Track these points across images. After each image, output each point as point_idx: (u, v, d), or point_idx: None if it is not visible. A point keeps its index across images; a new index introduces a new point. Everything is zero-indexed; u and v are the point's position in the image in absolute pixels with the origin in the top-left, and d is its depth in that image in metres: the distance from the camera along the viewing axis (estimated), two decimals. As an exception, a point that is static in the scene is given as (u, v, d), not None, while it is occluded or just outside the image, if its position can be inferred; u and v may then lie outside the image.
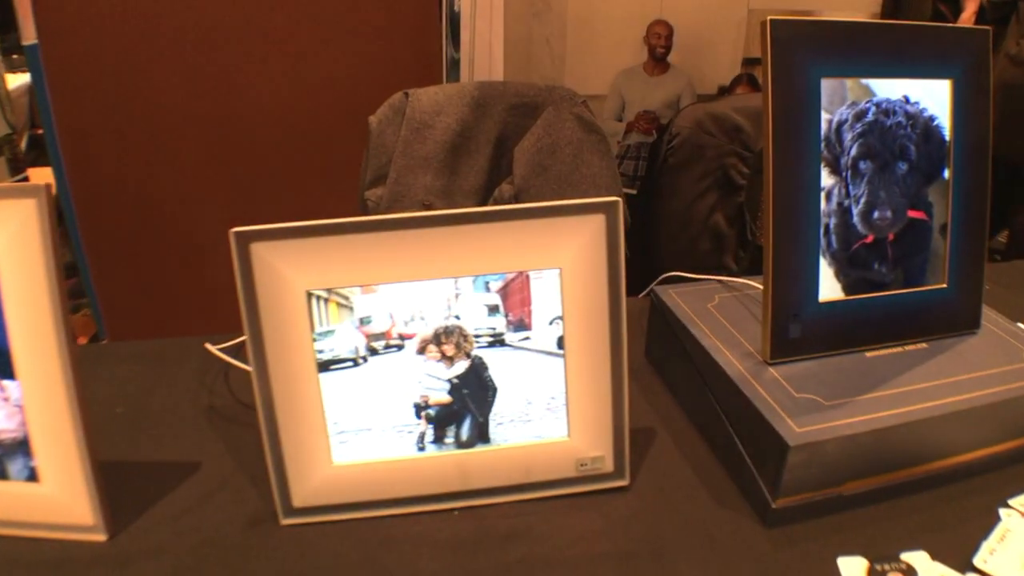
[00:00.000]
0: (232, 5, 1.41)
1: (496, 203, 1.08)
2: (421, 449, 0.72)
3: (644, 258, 1.13)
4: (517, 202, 1.07)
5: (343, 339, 0.69)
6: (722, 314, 0.85)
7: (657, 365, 0.91)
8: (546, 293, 0.70)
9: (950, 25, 0.80)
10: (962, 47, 0.79)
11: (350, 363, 0.70)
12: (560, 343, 0.71)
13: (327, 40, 1.40)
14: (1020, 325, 0.92)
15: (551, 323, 0.71)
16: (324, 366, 0.69)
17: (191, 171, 1.54)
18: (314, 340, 0.69)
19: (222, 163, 1.54)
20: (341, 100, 1.27)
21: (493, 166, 1.08)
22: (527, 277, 0.70)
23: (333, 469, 0.72)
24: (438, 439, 0.72)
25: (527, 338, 0.71)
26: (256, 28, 1.42)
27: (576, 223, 0.69)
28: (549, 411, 0.73)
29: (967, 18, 3.43)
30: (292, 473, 0.71)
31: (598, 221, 0.69)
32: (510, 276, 0.69)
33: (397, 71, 1.36)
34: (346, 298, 0.69)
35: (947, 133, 0.79)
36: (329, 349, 0.69)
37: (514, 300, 0.70)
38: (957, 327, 0.83)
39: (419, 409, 0.72)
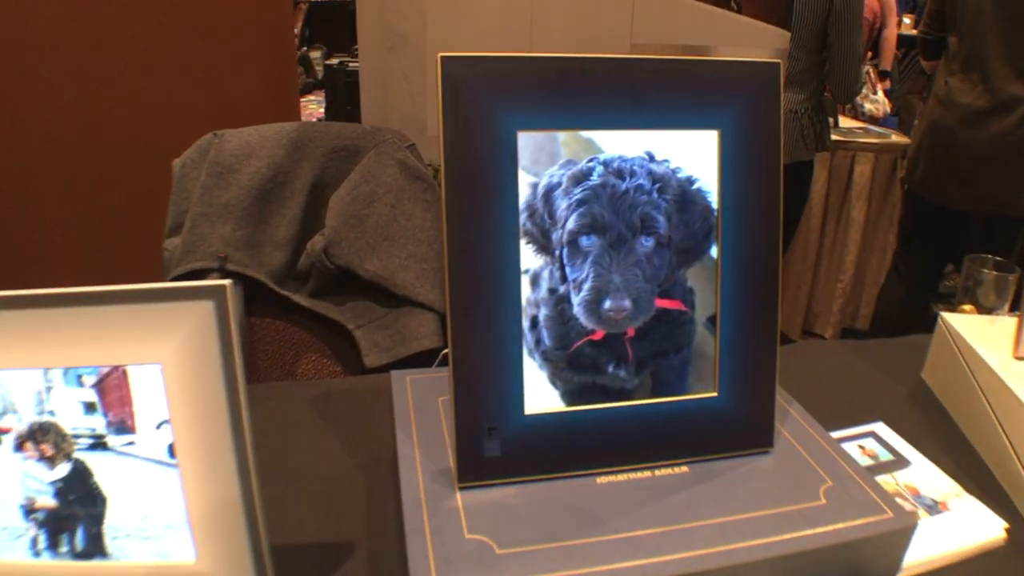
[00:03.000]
0: (81, 29, 1.32)
1: (308, 256, 0.96)
2: (36, 555, 0.62)
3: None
4: (327, 256, 0.95)
5: (-67, 429, 0.59)
6: (449, 412, 0.70)
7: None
8: (150, 392, 0.58)
9: (716, 59, 0.61)
10: (733, 87, 0.61)
11: (-52, 453, 0.60)
12: (171, 451, 0.59)
13: (183, 70, 1.30)
14: (872, 429, 0.73)
15: (159, 427, 0.59)
16: (-76, 454, 0.60)
17: (42, 197, 1.47)
18: (-91, 426, 0.59)
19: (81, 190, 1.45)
20: (189, 135, 1.18)
21: (309, 215, 0.96)
22: (124, 372, 0.57)
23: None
24: (52, 546, 0.61)
25: (132, 443, 0.59)
26: (110, 53, 1.33)
27: (177, 311, 0.56)
28: (170, 529, 0.60)
29: (888, 36, 3.09)
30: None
31: (204, 309, 0.56)
32: (105, 370, 0.57)
33: (252, 104, 1.26)
34: (-70, 385, 0.59)
35: (714, 199, 0.62)
36: (-75, 436, 0.59)
37: (113, 398, 0.58)
38: (737, 447, 0.65)
39: (27, 511, 0.61)
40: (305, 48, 2.71)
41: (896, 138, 2.83)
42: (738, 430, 0.65)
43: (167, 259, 0.95)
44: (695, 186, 0.61)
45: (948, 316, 0.84)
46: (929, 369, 0.88)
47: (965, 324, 0.82)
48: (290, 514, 0.71)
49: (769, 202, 0.62)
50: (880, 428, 0.78)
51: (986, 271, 0.88)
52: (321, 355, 0.98)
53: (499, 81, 0.57)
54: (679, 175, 0.61)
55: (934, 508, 0.72)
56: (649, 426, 0.63)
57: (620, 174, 0.60)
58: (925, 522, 0.70)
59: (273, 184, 0.96)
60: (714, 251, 0.62)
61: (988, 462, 0.77)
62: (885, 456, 0.76)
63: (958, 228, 1.92)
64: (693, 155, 0.61)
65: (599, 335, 0.61)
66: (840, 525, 0.59)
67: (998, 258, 0.89)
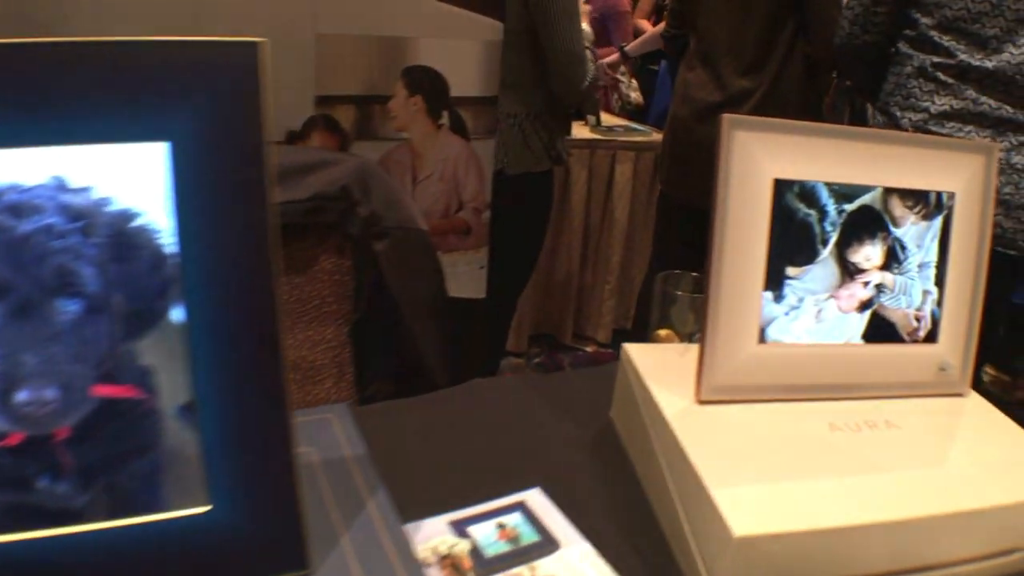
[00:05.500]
0: None
1: None
2: None
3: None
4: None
5: None
6: None
7: None
8: None
9: (162, 40, 0.42)
10: (192, 81, 0.43)
11: None
12: None
13: None
14: (524, 498, 0.59)
15: None
16: None
17: None
18: None
19: None
20: None
21: None
22: None
23: None
24: None
25: None
26: None
27: None
28: None
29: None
30: None
31: None
32: None
33: None
34: None
35: (169, 239, 0.44)
36: None
37: None
38: (253, 575, 0.47)
39: None
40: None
41: (656, 136, 2.73)
42: (250, 552, 0.47)
43: None
44: (137, 223, 0.43)
45: (631, 347, 0.68)
46: (616, 410, 0.72)
47: (647, 357, 0.66)
48: None
49: (256, 240, 0.44)
50: (534, 497, 0.62)
51: (680, 292, 0.72)
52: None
53: None
54: (111, 208, 0.43)
55: (569, 614, 0.56)
56: (112, 558, 0.45)
57: (17, 211, 0.41)
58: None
59: None
60: (177, 313, 0.44)
61: (665, 533, 0.61)
62: (529, 537, 0.59)
63: (704, 228, 1.81)
64: (132, 179, 0.43)
65: (16, 439, 0.43)
66: None
67: (695, 274, 0.73)
